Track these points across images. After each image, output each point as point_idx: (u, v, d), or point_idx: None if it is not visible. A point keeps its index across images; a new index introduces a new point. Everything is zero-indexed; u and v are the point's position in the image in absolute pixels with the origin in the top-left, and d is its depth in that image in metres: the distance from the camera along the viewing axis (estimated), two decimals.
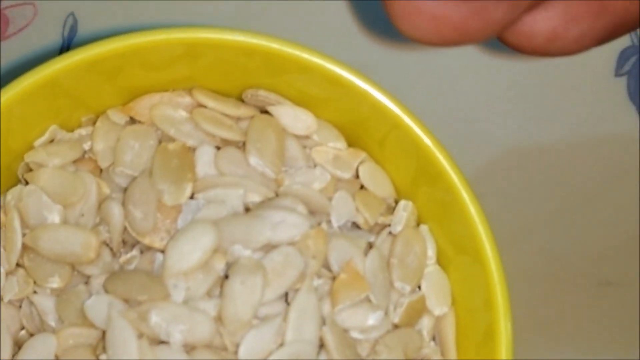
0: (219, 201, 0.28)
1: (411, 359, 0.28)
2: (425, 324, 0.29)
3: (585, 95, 0.37)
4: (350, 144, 0.30)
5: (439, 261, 0.30)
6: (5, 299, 0.28)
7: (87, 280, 0.28)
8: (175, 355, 0.26)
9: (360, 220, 0.29)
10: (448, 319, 0.29)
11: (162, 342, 0.26)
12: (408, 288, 0.29)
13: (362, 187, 0.30)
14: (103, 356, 0.26)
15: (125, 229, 0.28)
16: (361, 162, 0.30)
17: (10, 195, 0.28)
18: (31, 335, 0.28)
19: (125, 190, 0.28)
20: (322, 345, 0.27)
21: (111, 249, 0.28)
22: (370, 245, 0.29)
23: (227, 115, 0.29)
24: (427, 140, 0.28)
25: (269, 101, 0.29)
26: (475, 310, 0.28)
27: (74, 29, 0.36)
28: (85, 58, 0.27)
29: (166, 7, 0.36)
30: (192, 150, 0.29)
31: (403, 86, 0.33)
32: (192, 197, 0.28)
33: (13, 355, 0.27)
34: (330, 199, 0.29)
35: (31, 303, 0.28)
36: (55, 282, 0.28)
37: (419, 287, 0.29)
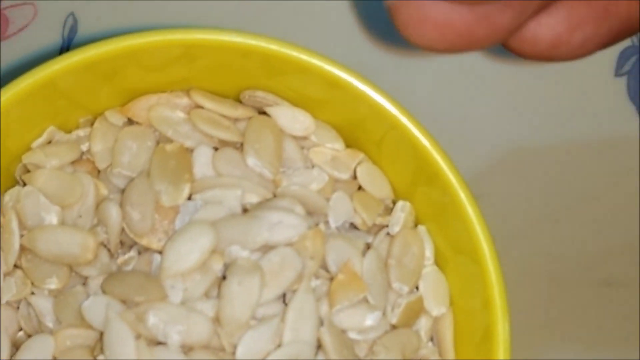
0: (217, 202, 0.28)
1: (409, 359, 0.28)
2: (423, 324, 0.29)
3: (585, 96, 0.37)
4: (348, 144, 0.30)
5: (437, 262, 0.30)
6: (3, 300, 0.28)
7: (84, 281, 0.28)
8: (172, 356, 0.26)
9: (358, 221, 0.29)
10: (446, 319, 0.29)
11: (159, 343, 0.26)
12: (406, 289, 0.29)
13: (359, 187, 0.30)
14: (101, 357, 0.26)
15: (122, 230, 0.28)
16: (359, 163, 0.30)
17: (8, 197, 0.28)
18: (29, 336, 0.28)
19: (123, 191, 0.28)
20: (319, 346, 0.27)
21: (109, 250, 0.28)
22: (368, 246, 0.29)
23: (224, 116, 0.29)
24: (424, 141, 0.28)
25: (266, 102, 0.29)
26: (473, 311, 0.28)
27: (73, 29, 0.36)
28: (82, 59, 0.27)
29: (166, 8, 0.36)
30: (190, 151, 0.29)
31: (402, 87, 0.33)
32: (189, 198, 0.28)
33: (11, 356, 0.27)
34: (328, 199, 0.29)
35: (29, 304, 0.28)
36: (53, 283, 0.28)
37: (417, 288, 0.29)
